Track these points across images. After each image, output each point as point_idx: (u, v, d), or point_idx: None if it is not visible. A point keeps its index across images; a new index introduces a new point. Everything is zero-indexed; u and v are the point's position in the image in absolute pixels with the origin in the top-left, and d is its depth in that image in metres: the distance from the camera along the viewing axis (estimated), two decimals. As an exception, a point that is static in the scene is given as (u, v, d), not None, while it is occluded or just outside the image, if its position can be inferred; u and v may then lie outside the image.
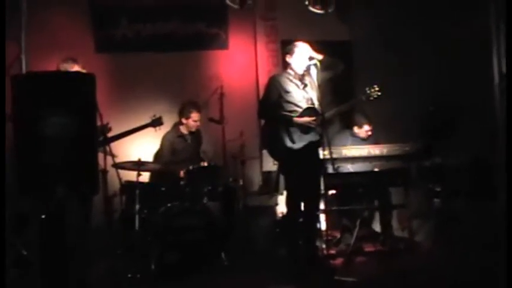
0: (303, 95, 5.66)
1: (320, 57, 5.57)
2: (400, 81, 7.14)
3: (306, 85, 5.68)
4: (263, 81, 7.21)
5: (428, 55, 7.10)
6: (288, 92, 5.63)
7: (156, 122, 6.40)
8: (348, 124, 7.06)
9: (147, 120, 6.39)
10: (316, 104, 5.57)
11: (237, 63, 7.92)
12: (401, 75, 7.25)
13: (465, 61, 6.48)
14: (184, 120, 6.90)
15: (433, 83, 7.01)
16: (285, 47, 5.91)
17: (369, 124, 6.83)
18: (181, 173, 6.39)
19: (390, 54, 7.39)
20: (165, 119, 6.54)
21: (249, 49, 7.96)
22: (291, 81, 5.68)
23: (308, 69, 5.57)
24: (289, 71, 5.73)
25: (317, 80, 5.48)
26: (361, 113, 6.80)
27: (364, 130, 6.83)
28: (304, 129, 5.56)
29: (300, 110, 5.60)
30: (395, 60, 7.35)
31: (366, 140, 6.81)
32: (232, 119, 6.96)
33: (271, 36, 7.92)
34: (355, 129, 6.86)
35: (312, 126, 5.55)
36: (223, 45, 7.89)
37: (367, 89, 5.84)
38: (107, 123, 5.57)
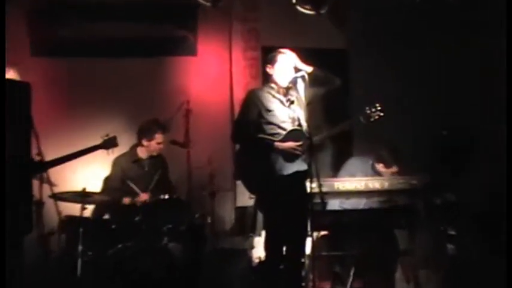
0: (287, 113, 5.58)
1: (309, 69, 5.53)
2: (405, 100, 7.17)
3: (291, 102, 5.61)
4: (239, 96, 7.17)
5: (440, 69, 7.21)
6: (269, 110, 5.54)
7: (109, 143, 6.18)
8: (348, 149, 7.07)
9: (98, 141, 6.16)
10: (304, 125, 5.46)
11: (208, 73, 7.79)
12: (407, 93, 7.29)
13: (484, 77, 6.63)
14: (145, 142, 6.82)
15: (445, 102, 7.08)
16: (267, 55, 5.83)
17: (399, 165, 6.64)
18: (126, 200, 6.33)
19: (393, 66, 7.42)
20: (120, 141, 6.33)
21: (223, 56, 7.85)
22: (273, 96, 5.59)
23: (294, 82, 5.48)
24: (272, 84, 5.65)
25: (305, 96, 5.37)
26: (392, 152, 6.65)
27: (391, 171, 6.64)
28: (288, 156, 5.46)
29: (284, 132, 5.52)
30: (399, 74, 7.37)
31: None
32: (200, 141, 6.84)
33: (250, 41, 7.82)
34: (381, 167, 6.67)
35: (298, 152, 5.45)
36: (191, 51, 7.78)
37: (367, 108, 5.74)
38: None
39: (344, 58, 7.77)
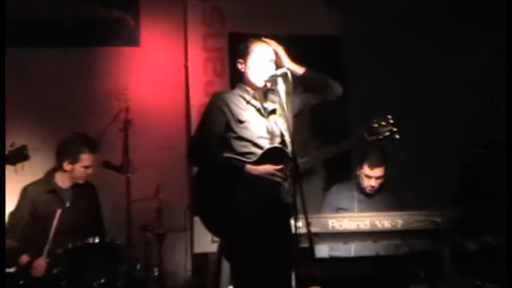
0: (265, 126, 5.49)
1: (301, 70, 5.52)
2: (423, 106, 7.36)
3: (272, 111, 5.54)
4: (198, 101, 7.38)
5: (464, 64, 7.49)
6: (241, 121, 5.41)
7: (17, 156, 5.84)
8: (345, 175, 7.14)
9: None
10: (287, 142, 5.42)
11: (155, 69, 7.80)
12: (426, 97, 7.47)
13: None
14: (67, 166, 6.69)
15: (477, 109, 7.36)
16: (237, 46, 5.67)
17: (383, 166, 6.89)
18: (24, 258, 6.27)
19: (406, 62, 7.59)
20: (33, 162, 5.99)
21: (175, 47, 7.87)
22: (247, 103, 5.48)
23: (273, 82, 5.36)
24: (244, 86, 5.54)
25: (287, 102, 5.26)
26: (379, 151, 6.87)
27: (378, 173, 6.89)
28: (266, 184, 5.33)
29: (260, 151, 5.39)
30: (414, 73, 7.56)
31: (371, 197, 6.92)
32: (144, 163, 6.85)
33: (212, 26, 7.84)
34: (366, 169, 6.91)
35: (278, 179, 5.34)
36: (131, 40, 7.77)
37: (374, 121, 5.56)
38: None
39: (338, 49, 7.88)
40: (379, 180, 6.95)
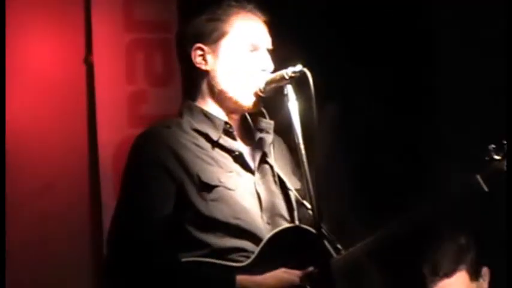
0: (255, 189, 4.49)
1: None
2: None
3: (265, 156, 4.57)
4: (116, 135, 6.36)
5: None
6: (209, 186, 4.35)
7: None
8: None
9: None
10: (308, 216, 4.45)
11: (27, 71, 6.58)
12: None
13: None
14: None
15: None
16: (197, 21, 4.58)
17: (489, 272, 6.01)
18: None
19: None
20: None
21: (67, 25, 6.66)
22: (213, 145, 4.43)
23: (279, 92, 4.39)
24: (203, 108, 4.51)
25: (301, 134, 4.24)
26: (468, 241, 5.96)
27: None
28: None
29: (254, 247, 4.37)
30: None
31: None
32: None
33: None
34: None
35: None
36: None
37: (492, 150, 4.46)
38: None
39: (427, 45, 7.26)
40: None
